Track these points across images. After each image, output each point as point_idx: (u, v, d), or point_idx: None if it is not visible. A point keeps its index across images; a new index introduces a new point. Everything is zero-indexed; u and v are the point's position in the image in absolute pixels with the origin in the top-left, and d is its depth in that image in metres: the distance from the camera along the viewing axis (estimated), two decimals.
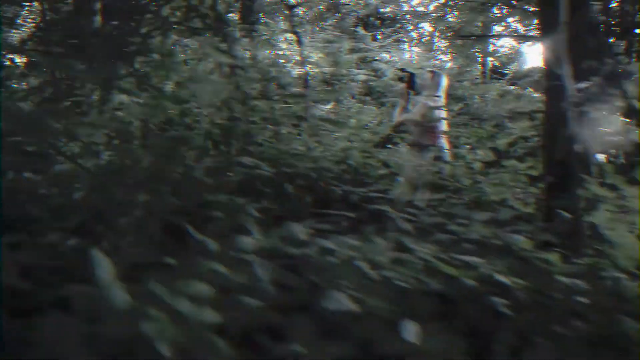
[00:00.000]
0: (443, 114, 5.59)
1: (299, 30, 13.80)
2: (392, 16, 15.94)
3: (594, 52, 2.95)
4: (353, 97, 10.88)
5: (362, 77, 12.02)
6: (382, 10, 15.96)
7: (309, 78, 10.43)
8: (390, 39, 14.55)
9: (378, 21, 15.76)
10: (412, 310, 1.45)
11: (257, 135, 3.23)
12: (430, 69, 5.99)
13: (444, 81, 5.62)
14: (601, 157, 3.35)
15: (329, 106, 7.07)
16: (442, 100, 5.59)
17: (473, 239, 2.38)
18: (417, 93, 5.67)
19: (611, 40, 3.05)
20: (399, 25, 15.66)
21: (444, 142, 5.62)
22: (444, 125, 5.55)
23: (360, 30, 15.11)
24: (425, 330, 1.35)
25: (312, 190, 2.74)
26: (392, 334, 1.33)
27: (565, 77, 2.75)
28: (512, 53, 28.77)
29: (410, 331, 1.34)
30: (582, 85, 2.75)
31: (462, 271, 1.77)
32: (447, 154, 5.57)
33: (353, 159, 3.59)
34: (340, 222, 2.12)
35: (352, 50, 13.57)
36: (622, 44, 3.24)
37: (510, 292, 1.78)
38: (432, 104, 5.47)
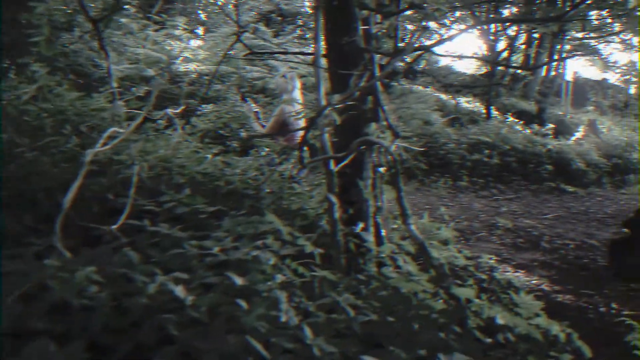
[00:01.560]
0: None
1: (190, 26, 13.55)
2: (293, 13, 15.94)
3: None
4: (243, 96, 10.69)
5: (255, 75, 11.89)
6: (283, 7, 15.92)
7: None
8: (290, 36, 14.51)
9: (280, 17, 15.73)
10: None
11: None
12: (282, 73, 6.04)
13: (297, 83, 5.72)
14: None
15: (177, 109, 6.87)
16: (299, 103, 5.68)
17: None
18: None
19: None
20: (301, 22, 15.70)
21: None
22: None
23: (261, 27, 15.02)
24: None
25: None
26: None
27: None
28: None
29: None
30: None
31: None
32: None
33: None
34: None
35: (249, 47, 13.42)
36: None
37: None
38: (289, 108, 5.56)
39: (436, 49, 3.96)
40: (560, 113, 16.28)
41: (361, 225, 3.37)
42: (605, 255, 5.34)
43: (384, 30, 3.54)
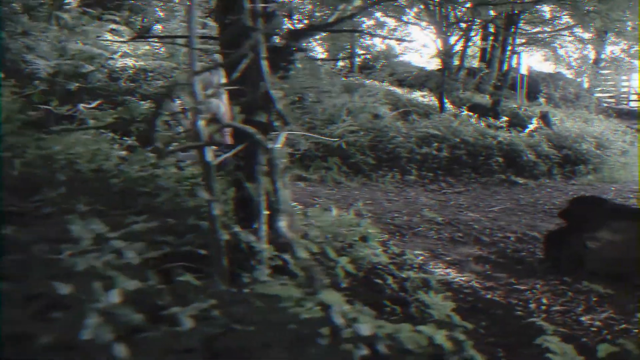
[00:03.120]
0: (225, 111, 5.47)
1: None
2: None
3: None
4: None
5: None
6: None
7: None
8: None
9: None
10: None
11: None
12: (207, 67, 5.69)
13: (221, 76, 5.43)
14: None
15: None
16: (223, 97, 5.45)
17: None
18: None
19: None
20: None
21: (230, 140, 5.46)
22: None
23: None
24: None
25: None
26: None
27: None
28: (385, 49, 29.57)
29: None
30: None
31: None
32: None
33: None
34: None
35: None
36: None
37: None
38: (215, 102, 5.34)
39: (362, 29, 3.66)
40: (515, 106, 16.24)
41: (256, 225, 3.05)
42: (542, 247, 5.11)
43: (276, 8, 3.18)
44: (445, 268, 4.59)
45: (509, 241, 5.69)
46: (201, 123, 2.59)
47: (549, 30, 19.11)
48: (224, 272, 2.57)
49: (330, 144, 9.80)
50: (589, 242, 4.30)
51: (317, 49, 26.29)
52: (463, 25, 17.51)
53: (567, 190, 9.90)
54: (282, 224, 3.29)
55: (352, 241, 3.98)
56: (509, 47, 16.10)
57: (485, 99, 16.55)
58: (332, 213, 4.86)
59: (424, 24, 18.46)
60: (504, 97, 16.37)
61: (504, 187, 9.84)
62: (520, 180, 10.21)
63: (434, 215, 6.64)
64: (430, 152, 10.24)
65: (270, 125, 3.22)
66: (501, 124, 13.53)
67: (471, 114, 14.35)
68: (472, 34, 18.10)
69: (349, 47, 23.36)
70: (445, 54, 16.03)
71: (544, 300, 3.98)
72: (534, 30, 18.78)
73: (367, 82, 16.58)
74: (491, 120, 13.55)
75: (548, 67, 21.51)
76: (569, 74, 20.61)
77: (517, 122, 15.20)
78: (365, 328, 1.82)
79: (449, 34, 16.22)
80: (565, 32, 19.22)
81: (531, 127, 14.37)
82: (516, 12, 14.92)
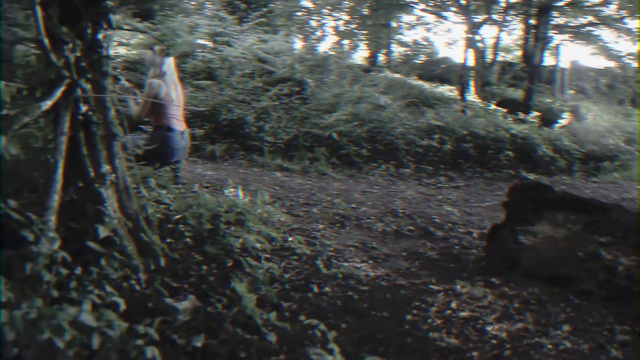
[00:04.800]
0: (171, 94, 5.14)
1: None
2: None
3: None
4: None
5: (199, 60, 11.16)
6: None
7: None
8: (252, 23, 13.71)
9: (244, 5, 14.96)
10: None
11: None
12: (151, 47, 5.38)
13: (169, 59, 5.12)
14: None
15: None
16: (171, 79, 5.14)
17: None
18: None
19: None
20: (266, 9, 14.90)
21: (176, 123, 5.16)
22: (173, 106, 5.11)
23: (221, 12, 14.30)
24: None
25: None
26: None
27: None
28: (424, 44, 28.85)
29: None
30: None
31: None
32: (173, 136, 5.10)
33: None
34: None
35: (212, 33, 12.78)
36: None
37: None
38: (155, 82, 5.03)
39: None
40: (549, 100, 15.10)
41: None
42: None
43: None
44: (360, 262, 3.95)
45: (467, 237, 4.96)
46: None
47: (595, 21, 17.67)
48: None
49: (321, 134, 9.26)
50: (522, 237, 3.55)
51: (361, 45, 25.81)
52: (497, 16, 16.55)
53: (583, 188, 8.91)
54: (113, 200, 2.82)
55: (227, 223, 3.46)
56: (543, 39, 14.98)
57: (518, 94, 15.52)
58: (238, 194, 4.36)
59: (454, 15, 17.53)
60: (537, 91, 15.27)
61: (511, 183, 8.94)
62: (532, 176, 9.28)
63: (398, 208, 5.97)
64: (431, 145, 9.48)
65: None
66: (532, 120, 12.63)
67: (499, 108, 13.49)
68: (507, 25, 17.09)
69: (385, 41, 22.76)
70: (473, 46, 15.13)
71: (453, 305, 3.28)
72: (575, 21, 17.40)
73: (391, 74, 15.91)
74: (521, 115, 12.65)
75: (596, 61, 19.98)
76: (616, 68, 19.02)
77: (550, 118, 14.14)
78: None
79: (477, 23, 15.30)
80: (616, 24, 17.76)
81: (563, 121, 13.30)
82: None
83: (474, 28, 14.93)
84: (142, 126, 6.40)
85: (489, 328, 3.02)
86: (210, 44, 12.12)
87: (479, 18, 15.30)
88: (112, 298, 2.13)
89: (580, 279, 3.45)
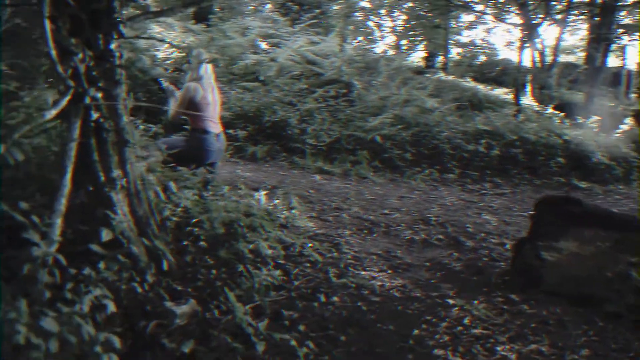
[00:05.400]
0: (208, 97, 5.27)
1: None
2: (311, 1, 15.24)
3: None
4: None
5: (248, 62, 11.33)
6: None
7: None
8: (303, 24, 13.79)
9: (297, 6, 15.07)
10: None
11: None
12: (191, 51, 5.54)
13: (206, 64, 5.28)
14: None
15: None
16: (208, 83, 5.27)
17: None
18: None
19: None
20: (318, 10, 14.94)
21: (211, 125, 5.28)
22: (210, 109, 5.24)
23: (273, 14, 14.47)
24: None
25: None
26: None
27: None
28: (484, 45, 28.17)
29: None
30: None
31: None
32: (208, 138, 5.20)
33: None
34: None
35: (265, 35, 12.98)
36: None
37: None
38: (192, 85, 5.19)
39: None
40: (611, 104, 14.35)
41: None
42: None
43: None
44: (378, 272, 3.89)
45: (499, 249, 4.79)
46: None
47: None
48: None
49: (364, 137, 9.20)
50: (545, 253, 3.38)
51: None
52: (559, 16, 15.92)
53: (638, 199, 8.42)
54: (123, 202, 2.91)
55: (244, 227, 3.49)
56: (607, 39, 14.25)
57: (579, 97, 14.85)
58: (260, 198, 4.40)
59: (513, 16, 16.97)
60: (599, 95, 14.56)
61: (561, 192, 8.57)
62: (584, 185, 8.85)
63: (432, 215, 5.85)
64: (478, 150, 9.22)
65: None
66: (591, 124, 12.08)
67: (556, 112, 13.01)
68: (569, 25, 16.39)
69: (442, 42, 22.36)
70: (531, 46, 14.59)
71: (466, 321, 3.18)
72: None
73: (445, 76, 15.61)
74: (580, 120, 12.13)
75: None
76: None
77: (612, 122, 13.46)
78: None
79: (536, 23, 14.75)
80: None
81: (623, 127, 12.64)
82: None
83: (532, 28, 14.40)
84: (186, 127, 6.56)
85: (499, 348, 2.90)
86: (264, 45, 12.29)
87: (538, 18, 14.77)
88: (103, 300, 2.19)
89: (607, 301, 3.25)
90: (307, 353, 2.39)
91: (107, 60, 2.74)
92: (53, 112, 2.33)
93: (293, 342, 2.42)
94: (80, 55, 2.58)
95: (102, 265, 2.43)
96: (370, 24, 26.30)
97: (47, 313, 1.79)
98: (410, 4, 22.63)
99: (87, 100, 2.60)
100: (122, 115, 2.86)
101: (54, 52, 2.36)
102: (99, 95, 2.70)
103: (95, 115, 2.72)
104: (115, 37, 2.70)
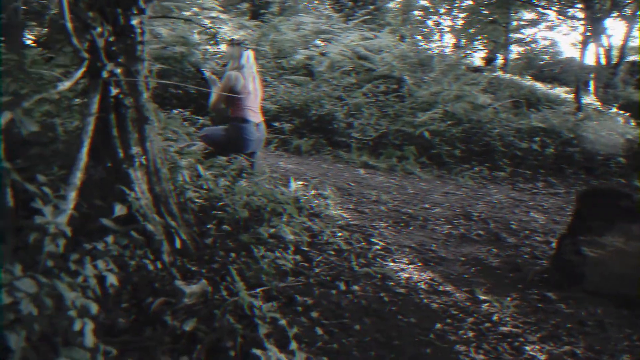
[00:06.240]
0: (249, 86, 5.28)
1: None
2: None
3: None
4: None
5: (300, 57, 11.33)
6: None
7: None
8: (356, 20, 13.67)
9: (351, 2, 14.95)
10: None
11: None
12: (232, 40, 5.56)
13: (248, 52, 5.28)
14: None
15: None
16: (249, 72, 5.28)
17: None
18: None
19: None
20: (372, 6, 14.78)
21: (251, 115, 5.29)
22: (250, 98, 5.25)
23: (327, 10, 14.42)
24: None
25: None
26: None
27: None
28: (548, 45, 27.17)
29: None
30: None
31: None
32: (248, 127, 5.20)
33: None
34: None
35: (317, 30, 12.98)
36: None
37: None
38: (233, 75, 5.22)
39: None
40: None
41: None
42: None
43: None
44: (407, 264, 3.72)
45: (543, 247, 4.51)
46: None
47: None
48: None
49: (412, 133, 8.98)
50: (587, 249, 3.12)
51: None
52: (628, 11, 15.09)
53: None
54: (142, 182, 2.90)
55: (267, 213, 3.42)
56: None
57: None
58: (290, 185, 4.32)
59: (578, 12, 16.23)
60: None
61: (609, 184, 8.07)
62: None
63: (475, 211, 5.60)
64: (531, 147, 8.81)
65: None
66: None
67: (620, 112, 12.34)
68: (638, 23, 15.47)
69: (502, 40, 21.69)
70: (596, 44, 13.89)
71: (494, 318, 2.98)
72: None
73: (502, 74, 15.12)
74: None
75: None
76: None
77: None
78: None
79: (600, 19, 14.01)
80: None
81: None
82: None
83: (597, 23, 13.69)
84: None
85: (527, 347, 2.69)
86: (319, 42, 12.26)
87: (603, 14, 14.03)
88: (104, 273, 2.16)
89: None
90: (297, 334, 2.29)
91: (127, 36, 2.73)
92: (67, 84, 2.33)
93: (282, 322, 2.32)
94: (99, 30, 2.57)
95: (110, 239, 2.41)
96: (429, 22, 25.83)
97: (38, 278, 1.77)
98: (471, 2, 22.10)
99: (105, 75, 2.59)
100: (142, 92, 2.84)
101: (69, 24, 2.36)
102: (118, 70, 2.70)
103: (114, 91, 2.71)
104: (135, 12, 2.69)
